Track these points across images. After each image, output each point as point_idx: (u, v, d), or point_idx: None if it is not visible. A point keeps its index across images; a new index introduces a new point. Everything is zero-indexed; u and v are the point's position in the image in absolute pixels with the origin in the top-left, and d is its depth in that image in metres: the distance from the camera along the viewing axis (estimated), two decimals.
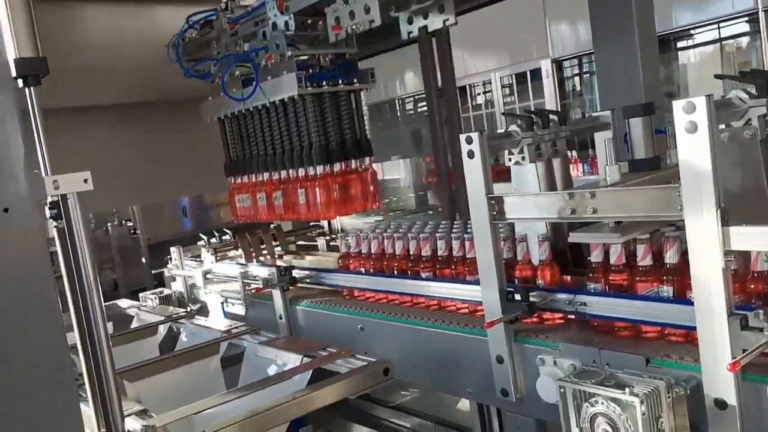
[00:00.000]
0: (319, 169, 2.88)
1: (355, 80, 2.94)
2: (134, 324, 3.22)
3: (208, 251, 3.79)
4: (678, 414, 1.60)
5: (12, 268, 1.15)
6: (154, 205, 8.36)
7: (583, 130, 2.41)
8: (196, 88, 4.05)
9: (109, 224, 9.26)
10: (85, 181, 1.22)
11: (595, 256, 1.92)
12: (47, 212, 1.32)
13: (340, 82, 2.90)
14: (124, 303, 3.57)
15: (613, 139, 2.26)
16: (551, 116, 2.16)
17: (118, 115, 3.68)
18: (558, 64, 9.81)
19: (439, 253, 2.44)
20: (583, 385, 1.65)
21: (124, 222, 9.36)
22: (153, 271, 4.38)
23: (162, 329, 2.99)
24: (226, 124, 3.33)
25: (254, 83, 2.92)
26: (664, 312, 1.73)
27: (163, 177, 4.00)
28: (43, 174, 1.29)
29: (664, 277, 1.78)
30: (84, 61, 3.47)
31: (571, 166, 2.55)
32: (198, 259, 3.86)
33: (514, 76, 10.45)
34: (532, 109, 2.23)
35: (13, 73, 1.28)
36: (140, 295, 3.78)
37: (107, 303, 3.74)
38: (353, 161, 2.96)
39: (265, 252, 3.79)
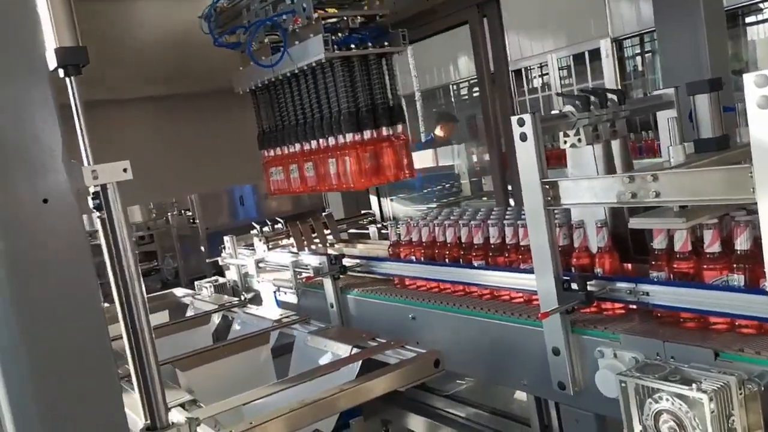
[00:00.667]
0: (349, 137, 2.75)
1: (385, 43, 2.77)
2: (189, 312, 3.27)
3: (260, 240, 3.81)
4: (751, 412, 1.49)
5: (52, 260, 1.15)
6: (212, 194, 8.54)
7: (644, 110, 2.27)
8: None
9: (169, 214, 9.53)
10: (125, 170, 1.20)
11: (658, 243, 1.81)
12: (90, 203, 1.32)
13: (369, 45, 2.74)
14: (179, 292, 3.62)
15: (677, 118, 2.12)
16: (609, 95, 2.04)
17: (160, 106, 3.71)
18: (618, 43, 9.45)
19: (492, 240, 2.36)
20: (646, 379, 1.55)
21: (183, 211, 9.62)
22: (207, 260, 4.43)
23: (215, 318, 3.02)
24: (258, 94, 3.25)
25: (282, 49, 2.80)
26: (735, 302, 1.61)
27: (208, 168, 4.03)
28: (85, 164, 1.28)
29: (735, 265, 1.65)
30: (125, 52, 3.51)
31: None
32: (251, 247, 3.88)
33: (571, 57, 10.15)
34: (589, 88, 2.11)
35: (54, 63, 1.28)
36: (196, 283, 3.84)
37: (164, 291, 3.82)
38: (384, 128, 2.81)
39: (316, 240, 3.78)
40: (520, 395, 3.85)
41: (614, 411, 1.72)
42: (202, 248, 8.44)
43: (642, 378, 1.56)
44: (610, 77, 9.19)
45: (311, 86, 2.88)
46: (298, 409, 1.63)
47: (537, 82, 11.29)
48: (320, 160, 2.91)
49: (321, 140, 2.89)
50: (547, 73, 10.96)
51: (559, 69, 10.57)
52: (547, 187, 1.88)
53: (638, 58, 10.19)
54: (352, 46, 2.71)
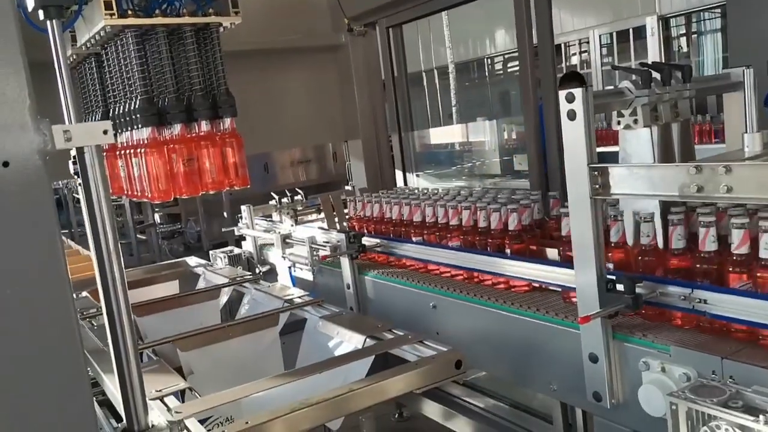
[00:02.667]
0: (146, 132, 2.17)
1: (210, 10, 2.18)
2: (200, 284, 3.11)
3: (287, 214, 3.62)
4: None
5: (11, 231, 0.97)
6: None
7: (710, 90, 2.01)
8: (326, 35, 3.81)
9: None
10: (105, 132, 1.01)
11: (741, 249, 1.57)
12: (71, 167, 1.14)
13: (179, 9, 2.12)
14: (192, 261, 3.47)
15: (746, 102, 1.87)
16: (674, 71, 1.79)
17: (244, 62, 3.53)
18: (665, 21, 8.99)
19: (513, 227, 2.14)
20: (702, 404, 1.34)
21: None
22: (223, 229, 4.28)
23: (225, 292, 2.86)
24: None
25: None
26: None
27: (284, 126, 3.87)
28: (67, 123, 1.09)
29: None
30: None
31: None
32: (269, 218, 3.71)
33: (614, 34, 9.70)
34: (651, 62, 1.86)
35: (31, 4, 1.08)
36: (210, 252, 3.68)
37: (176, 260, 3.68)
38: (202, 123, 2.25)
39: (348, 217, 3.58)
40: None
41: (657, 431, 1.52)
42: (225, 214, 8.34)
43: (697, 402, 1.35)
44: (654, 57, 8.75)
45: (112, 60, 2.28)
46: (301, 409, 1.46)
47: (575, 59, 10.86)
48: (125, 158, 2.32)
49: (126, 134, 2.30)
50: (586, 51, 10.52)
51: (601, 46, 10.12)
52: (596, 173, 1.65)
53: (683, 39, 9.72)
54: (157, 11, 2.11)
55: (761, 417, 1.25)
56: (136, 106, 2.17)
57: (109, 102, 2.41)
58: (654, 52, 8.73)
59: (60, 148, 0.98)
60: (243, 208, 3.65)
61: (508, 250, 2.20)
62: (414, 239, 2.60)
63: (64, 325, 1.01)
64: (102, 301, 1.15)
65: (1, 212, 0.96)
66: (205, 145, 2.24)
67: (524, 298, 2.10)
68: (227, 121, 2.32)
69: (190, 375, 2.01)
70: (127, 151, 2.29)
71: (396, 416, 4.55)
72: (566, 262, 1.93)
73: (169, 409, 1.45)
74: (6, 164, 0.95)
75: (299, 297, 2.45)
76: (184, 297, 2.76)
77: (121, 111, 2.28)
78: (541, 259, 2.09)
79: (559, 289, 2.01)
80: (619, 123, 1.79)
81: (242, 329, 2.20)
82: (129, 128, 2.24)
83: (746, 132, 1.56)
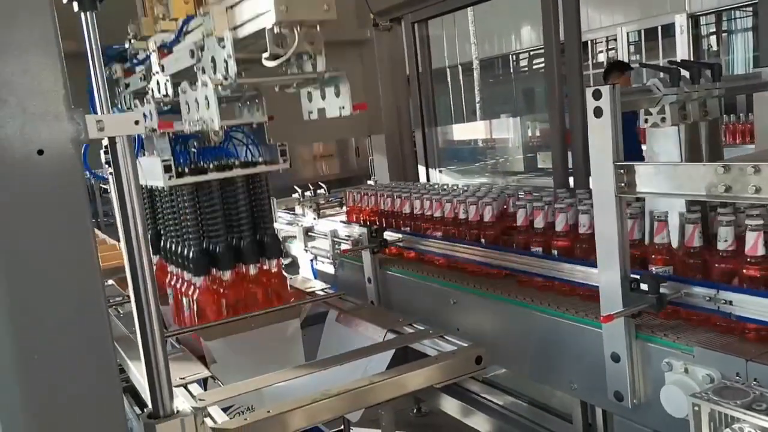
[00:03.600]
0: (198, 281, 2.24)
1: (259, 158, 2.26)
2: None
3: (309, 207, 3.65)
4: None
5: (45, 218, 0.99)
6: None
7: (744, 89, 1.99)
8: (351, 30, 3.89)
9: None
10: (136, 123, 1.03)
11: (749, 246, 1.56)
12: (102, 157, 1.16)
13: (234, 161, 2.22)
14: None
15: None
16: (703, 70, 1.77)
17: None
18: (694, 19, 8.85)
19: (558, 226, 2.12)
20: (725, 406, 1.32)
21: None
22: None
23: None
24: None
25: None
26: None
27: (307, 121, 3.89)
28: (99, 112, 1.11)
29: None
30: None
31: None
32: (292, 211, 3.74)
33: (642, 31, 9.58)
34: (680, 60, 1.84)
35: None
36: None
37: None
38: (250, 266, 2.32)
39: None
40: None
41: None
42: None
43: (721, 403, 1.34)
44: (682, 56, 8.63)
45: (164, 200, 2.34)
46: (322, 400, 1.47)
47: (602, 57, 10.75)
48: (174, 288, 2.41)
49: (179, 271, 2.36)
50: (613, 48, 10.41)
51: (628, 44, 10.01)
52: (622, 171, 1.64)
53: (713, 38, 9.57)
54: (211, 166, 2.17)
55: None
56: (191, 256, 2.23)
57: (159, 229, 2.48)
58: (683, 51, 8.61)
59: (93, 138, 1.00)
60: None
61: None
62: (436, 235, 2.61)
63: (95, 310, 1.03)
64: (130, 288, 1.17)
65: (35, 199, 0.99)
66: (253, 288, 2.32)
67: (545, 296, 2.09)
68: (273, 263, 2.37)
69: (212, 364, 2.04)
70: (178, 284, 2.37)
71: (414, 411, 4.56)
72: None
73: (193, 396, 1.47)
74: (41, 152, 0.97)
75: (321, 290, 2.47)
76: None
77: (173, 249, 2.34)
78: (562, 256, 2.08)
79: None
80: (646, 121, 1.78)
81: (264, 320, 2.23)
82: (179, 268, 2.32)
83: None
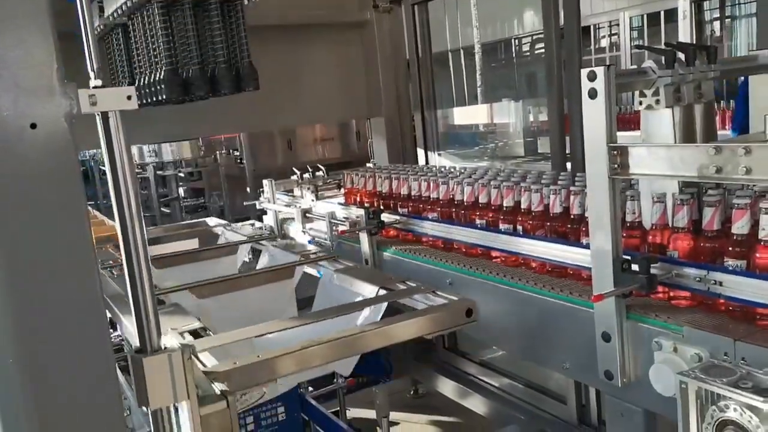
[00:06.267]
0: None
1: None
2: (220, 242, 3.18)
3: (308, 189, 3.66)
4: None
5: (38, 193, 1.01)
6: (261, 136, 8.48)
7: (739, 71, 1.99)
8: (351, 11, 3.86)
9: (217, 152, 9.52)
10: (129, 98, 1.04)
11: (739, 228, 1.57)
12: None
13: None
14: (212, 221, 3.55)
15: None
16: (698, 52, 1.77)
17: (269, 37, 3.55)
18: (697, 5, 8.77)
19: (553, 209, 2.13)
20: (711, 383, 1.34)
21: (231, 151, 9.60)
22: (245, 203, 4.34)
23: (244, 250, 2.90)
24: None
25: None
26: None
27: (307, 102, 3.90)
28: (92, 87, 1.12)
29: None
30: None
31: None
32: (290, 193, 3.75)
33: (645, 16, 9.50)
34: (675, 42, 1.84)
35: None
36: (232, 225, 3.75)
37: (197, 220, 3.77)
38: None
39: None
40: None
41: (668, 410, 1.53)
42: (248, 189, 8.42)
43: (707, 381, 1.35)
44: (685, 41, 8.58)
45: (138, 31, 2.35)
46: (311, 346, 1.48)
47: (605, 42, 10.67)
48: None
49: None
50: (616, 33, 10.33)
51: (631, 29, 9.93)
52: (615, 152, 1.65)
53: (717, 23, 9.50)
54: None
55: None
56: (161, 77, 2.20)
57: (135, 72, 2.46)
58: (685, 36, 8.53)
59: (85, 112, 1.01)
60: (265, 182, 3.70)
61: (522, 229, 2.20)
62: (430, 216, 2.63)
63: (88, 283, 1.05)
64: (119, 238, 1.16)
65: (29, 172, 1.00)
66: None
67: (538, 277, 2.11)
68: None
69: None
70: None
71: (412, 393, 4.62)
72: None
73: (183, 335, 1.49)
74: (33, 126, 0.98)
75: (314, 253, 2.50)
76: (203, 252, 2.81)
77: (145, 82, 2.33)
78: (558, 238, 2.09)
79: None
80: (641, 103, 1.78)
81: (258, 280, 2.24)
82: (153, 98, 2.28)
83: None
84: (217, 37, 2.25)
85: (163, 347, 1.22)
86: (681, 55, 1.79)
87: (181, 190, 9.46)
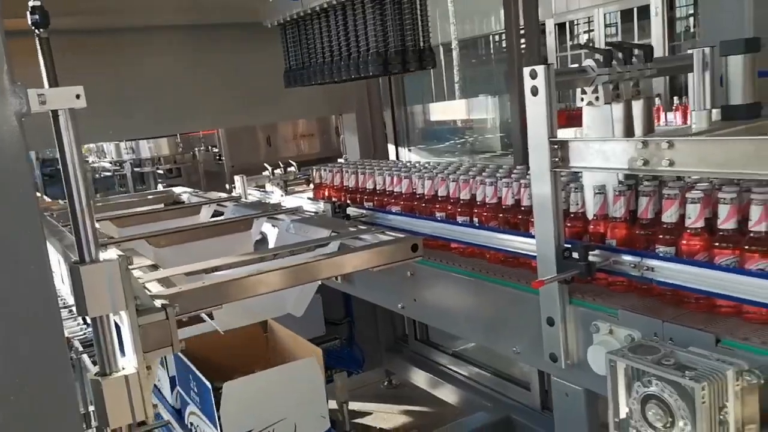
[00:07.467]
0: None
1: None
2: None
3: (277, 185, 3.73)
4: (747, 405, 1.37)
5: None
6: (240, 132, 8.50)
7: (673, 69, 2.09)
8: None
9: (196, 149, 9.52)
10: (78, 96, 1.11)
11: (668, 216, 1.67)
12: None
13: None
14: (178, 189, 3.65)
15: (711, 81, 1.94)
16: (635, 51, 1.87)
17: (198, 36, 3.62)
18: (669, 1, 8.93)
19: (505, 201, 2.22)
20: (636, 361, 1.44)
21: (210, 148, 9.60)
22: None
23: (205, 210, 2.97)
24: (286, 28, 3.18)
25: None
26: (745, 286, 1.48)
27: (233, 103, 3.96)
28: (46, 87, 1.18)
29: (748, 246, 1.51)
30: None
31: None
32: (262, 189, 3.82)
33: (619, 13, 9.66)
34: (612, 41, 1.93)
35: None
36: (198, 191, 3.84)
37: (164, 189, 3.84)
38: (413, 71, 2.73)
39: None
40: None
41: (605, 389, 1.62)
42: (227, 186, 8.45)
43: (633, 359, 1.45)
44: (658, 37, 8.72)
45: (340, 24, 2.78)
46: (259, 274, 1.55)
47: (582, 39, 10.81)
48: None
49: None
50: (593, 30, 10.47)
51: (606, 26, 10.08)
52: (556, 147, 1.74)
53: (691, 20, 9.66)
54: None
55: (687, 373, 1.36)
56: (370, 57, 2.66)
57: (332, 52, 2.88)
58: (658, 33, 8.70)
59: (35, 111, 1.07)
60: (236, 178, 3.75)
61: (476, 221, 2.29)
62: (394, 210, 2.71)
63: (38, 271, 1.10)
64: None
65: None
66: None
67: (490, 266, 2.20)
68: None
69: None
70: None
71: (386, 384, 4.71)
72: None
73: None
74: None
75: (275, 209, 2.57)
76: (164, 211, 2.89)
77: (347, 61, 2.79)
78: (509, 229, 2.18)
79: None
80: (582, 100, 1.88)
81: (216, 231, 2.30)
82: (355, 74, 2.78)
83: (695, 109, 1.64)
84: (407, 23, 2.65)
85: (101, 259, 1.26)
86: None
87: (159, 187, 9.46)
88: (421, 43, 2.71)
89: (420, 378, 4.38)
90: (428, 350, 4.34)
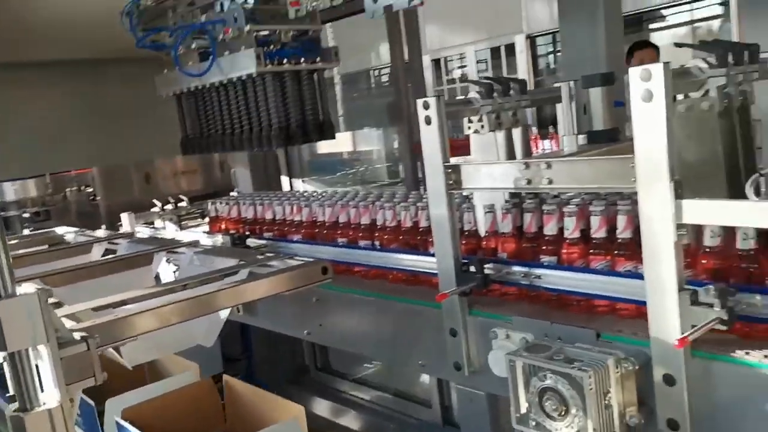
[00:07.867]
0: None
1: (318, 58, 2.78)
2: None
3: (170, 220, 3.68)
4: (626, 389, 1.58)
5: None
6: (115, 170, 8.17)
7: (545, 100, 2.35)
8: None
9: (68, 190, 9.02)
10: None
11: (549, 229, 1.88)
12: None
13: (302, 60, 2.74)
14: (61, 230, 3.48)
15: (576, 111, 2.21)
16: (512, 84, 2.10)
17: (70, 71, 3.53)
18: (532, 40, 9.75)
19: (405, 224, 2.37)
20: (532, 359, 1.62)
21: (83, 187, 9.12)
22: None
23: (97, 248, 2.84)
24: (183, 99, 3.15)
25: (210, 58, 2.74)
26: (615, 286, 1.70)
27: (118, 139, 3.88)
28: None
29: (617, 251, 1.74)
30: (35, 14, 3.31)
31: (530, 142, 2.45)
32: (151, 225, 3.75)
33: (489, 50, 10.38)
34: (491, 76, 2.16)
35: None
36: (84, 230, 3.68)
37: (45, 230, 3.67)
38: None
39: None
40: (424, 378, 3.94)
41: (505, 390, 1.78)
42: (103, 227, 8.07)
43: (529, 358, 1.62)
44: (523, 72, 9.48)
45: (241, 97, 2.83)
46: (169, 304, 1.56)
47: (457, 73, 11.48)
48: None
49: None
50: (465, 65, 11.16)
51: (477, 62, 10.79)
52: (450, 170, 1.91)
53: (551, 56, 10.56)
54: (285, 60, 2.69)
55: (575, 364, 1.54)
56: (273, 131, 2.75)
57: (233, 124, 2.90)
58: (523, 68, 9.46)
59: None
60: (123, 215, 3.66)
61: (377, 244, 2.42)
62: (295, 238, 2.79)
63: None
64: None
65: None
66: None
67: (390, 287, 2.32)
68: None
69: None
70: None
71: None
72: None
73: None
74: None
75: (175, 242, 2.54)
76: (53, 251, 2.76)
77: (248, 134, 2.84)
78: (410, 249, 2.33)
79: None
80: (469, 128, 2.07)
81: (113, 267, 2.25)
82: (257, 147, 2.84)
83: (565, 135, 1.88)
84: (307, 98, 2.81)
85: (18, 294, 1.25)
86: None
87: (26, 232, 8.85)
88: (320, 116, 2.84)
89: (322, 407, 4.41)
90: (330, 379, 4.39)
